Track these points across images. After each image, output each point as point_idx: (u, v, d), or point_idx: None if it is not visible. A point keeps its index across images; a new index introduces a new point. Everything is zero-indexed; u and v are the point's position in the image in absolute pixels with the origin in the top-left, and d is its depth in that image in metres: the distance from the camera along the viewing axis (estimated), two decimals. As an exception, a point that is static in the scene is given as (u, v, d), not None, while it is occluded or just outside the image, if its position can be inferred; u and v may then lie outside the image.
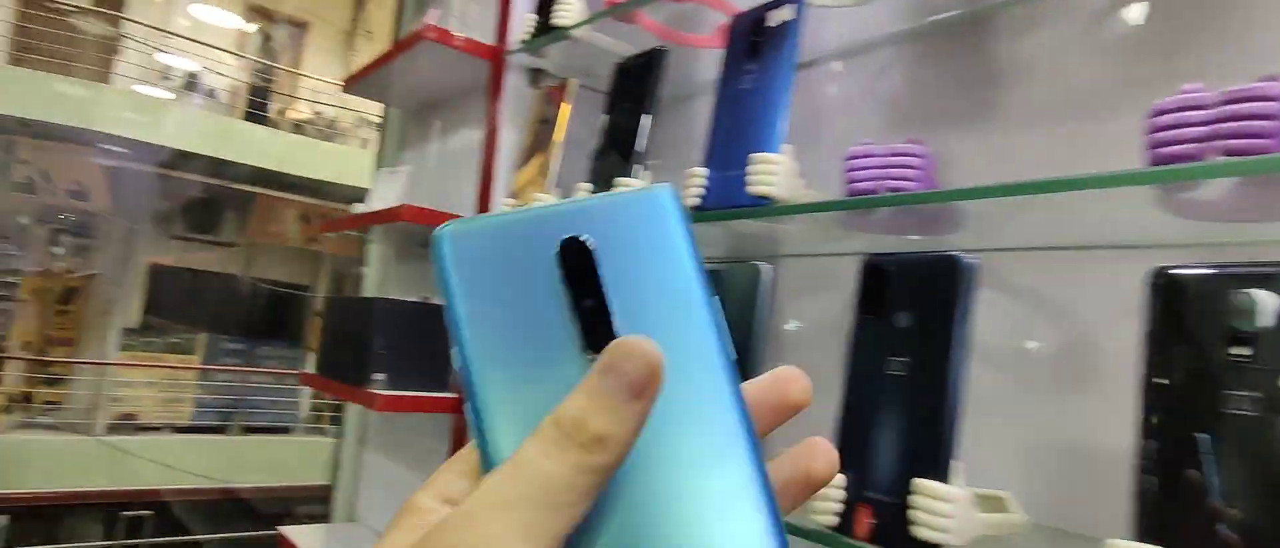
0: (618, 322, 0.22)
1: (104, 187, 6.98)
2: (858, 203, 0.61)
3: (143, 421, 7.01)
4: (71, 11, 7.06)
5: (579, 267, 0.22)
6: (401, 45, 1.18)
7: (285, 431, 7.81)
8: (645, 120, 0.90)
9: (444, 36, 1.13)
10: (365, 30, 9.06)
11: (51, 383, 6.87)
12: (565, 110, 1.05)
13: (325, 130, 8.54)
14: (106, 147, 6.60)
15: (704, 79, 1.13)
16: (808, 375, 0.24)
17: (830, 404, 0.89)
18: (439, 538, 0.18)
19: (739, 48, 0.79)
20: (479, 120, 1.33)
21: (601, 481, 0.19)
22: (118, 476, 6.13)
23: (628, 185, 0.88)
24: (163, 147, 6.65)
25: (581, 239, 0.22)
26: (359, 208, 1.32)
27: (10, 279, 7.72)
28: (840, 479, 0.60)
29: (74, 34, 6.85)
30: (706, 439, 0.21)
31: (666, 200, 0.23)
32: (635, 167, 0.89)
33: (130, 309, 7.63)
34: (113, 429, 6.72)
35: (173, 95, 7.35)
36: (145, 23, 7.28)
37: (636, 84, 0.94)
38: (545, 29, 1.06)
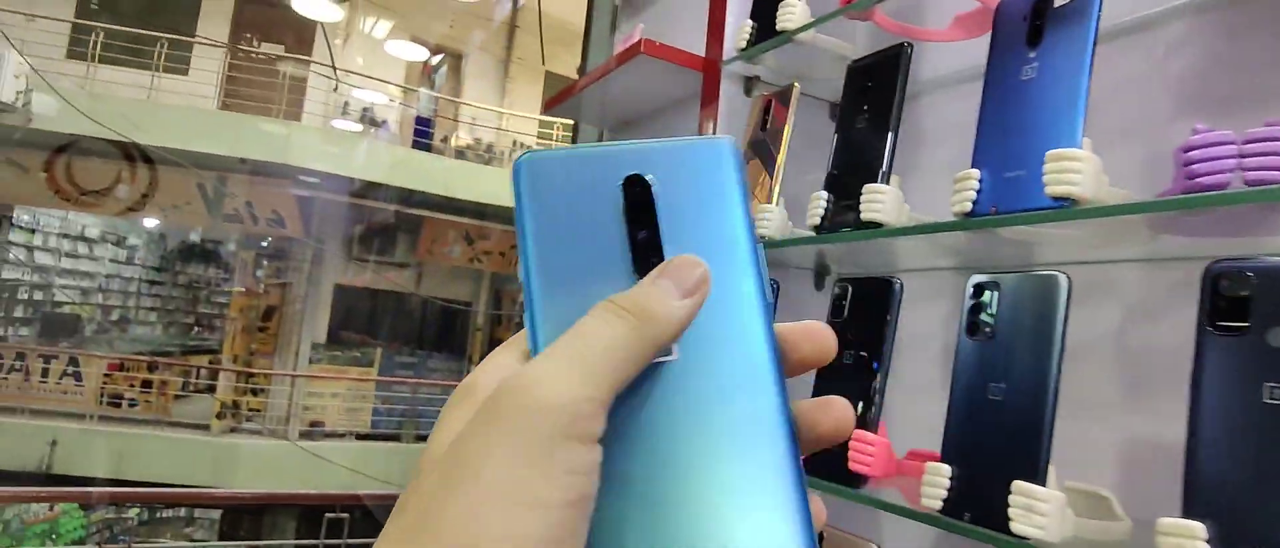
0: (668, 253, 0.24)
1: (296, 215, 7.65)
2: (1213, 200, 0.52)
3: (329, 428, 7.63)
4: (276, 58, 7.89)
5: (639, 200, 0.24)
6: (617, 60, 1.18)
7: (452, 439, 8.23)
8: (891, 129, 0.84)
9: (661, 50, 1.12)
10: (517, 57, 9.51)
11: (254, 393, 7.63)
12: (789, 118, 1.01)
13: (484, 155, 8.99)
14: (300, 178, 7.27)
15: (928, 77, 1.05)
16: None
17: (1119, 430, 0.79)
18: (515, 383, 0.20)
19: (1012, 35, 0.71)
20: (687, 133, 1.31)
21: (648, 351, 0.22)
22: (309, 477, 6.69)
23: (878, 192, 0.82)
24: (349, 177, 7.25)
25: (644, 176, 0.24)
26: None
27: (223, 300, 8.69)
28: (1198, 529, 0.51)
29: (271, 79, 7.63)
30: (736, 367, 0.23)
31: (727, 150, 0.25)
32: (886, 173, 0.83)
33: (318, 326, 8.34)
34: (304, 435, 7.34)
35: (361, 128, 8.01)
36: (334, 65, 7.99)
37: (877, 86, 0.88)
38: (766, 34, 1.02)
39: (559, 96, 1.44)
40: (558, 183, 0.25)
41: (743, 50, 1.06)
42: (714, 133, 1.11)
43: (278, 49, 8.19)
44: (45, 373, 6.97)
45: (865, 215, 0.82)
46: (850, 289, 0.87)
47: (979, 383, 0.68)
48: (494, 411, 0.20)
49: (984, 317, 0.70)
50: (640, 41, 1.12)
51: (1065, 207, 0.63)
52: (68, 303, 9.26)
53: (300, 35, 8.33)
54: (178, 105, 6.86)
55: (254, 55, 7.99)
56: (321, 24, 8.12)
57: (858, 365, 0.83)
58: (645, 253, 0.24)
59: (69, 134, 6.27)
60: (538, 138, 9.48)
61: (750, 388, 0.23)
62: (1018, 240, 0.81)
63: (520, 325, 0.25)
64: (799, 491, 0.23)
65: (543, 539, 0.19)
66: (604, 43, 1.67)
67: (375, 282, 8.72)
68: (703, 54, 1.16)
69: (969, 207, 0.70)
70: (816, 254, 1.14)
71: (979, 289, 0.71)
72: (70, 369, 7.05)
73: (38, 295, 8.98)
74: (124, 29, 7.23)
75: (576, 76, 1.57)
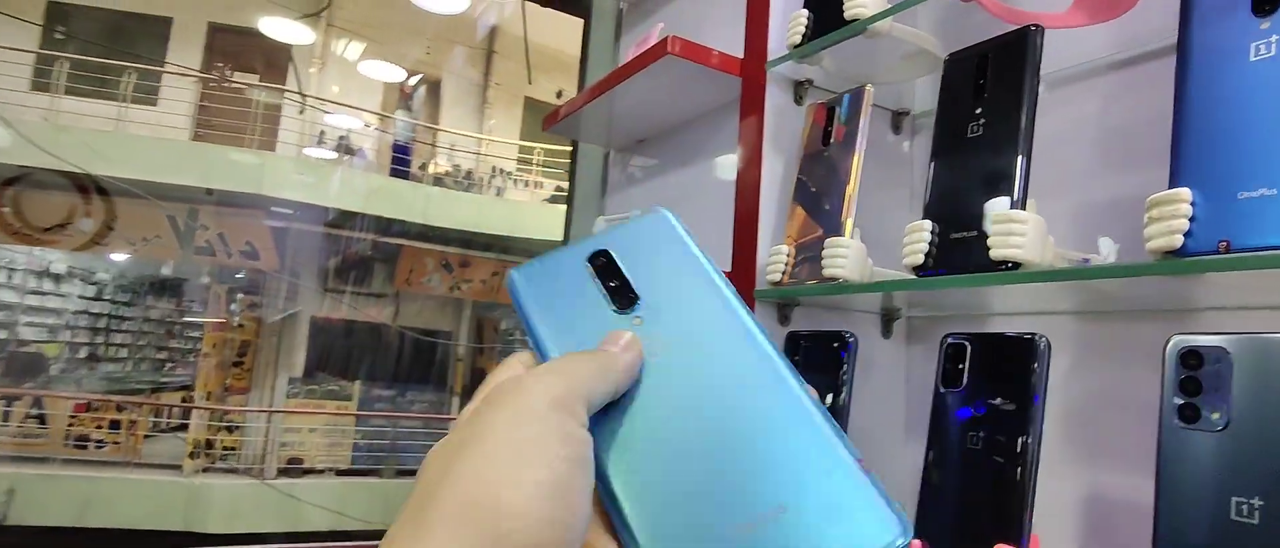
0: (638, 289, 0.30)
1: (271, 247, 7.44)
2: None
3: (308, 464, 7.36)
4: (247, 87, 7.68)
5: (605, 264, 0.31)
6: (635, 64, 0.97)
7: (434, 474, 7.98)
8: (1021, 138, 0.63)
9: (693, 50, 0.91)
10: (495, 83, 9.34)
11: (229, 430, 7.33)
12: (862, 128, 0.80)
13: (462, 182, 8.81)
14: (273, 208, 7.03)
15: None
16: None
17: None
18: (512, 380, 0.26)
19: (1223, 1, 0.51)
20: (719, 150, 1.10)
21: (607, 372, 0.27)
22: (287, 518, 6.40)
23: (1015, 220, 0.61)
24: (324, 207, 7.03)
25: (604, 248, 0.32)
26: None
27: (197, 335, 8.36)
28: None
29: (244, 107, 7.40)
30: (721, 342, 0.29)
31: (666, 215, 0.32)
32: (1020, 196, 0.62)
33: (295, 360, 8.07)
34: (282, 473, 7.07)
35: (335, 155, 7.81)
36: (301, 91, 7.79)
37: (995, 84, 0.67)
38: (826, 26, 0.82)
39: (557, 113, 1.22)
40: (540, 278, 0.31)
41: (796, 47, 0.86)
42: (760, 149, 0.90)
43: (251, 78, 7.98)
44: (6, 416, 6.64)
45: (998, 253, 0.61)
46: (969, 348, 0.66)
47: (1214, 495, 0.47)
48: (497, 396, 0.25)
49: (1206, 398, 0.49)
50: (666, 40, 0.91)
51: (1362, 241, 0.42)
52: (34, 341, 8.89)
53: (274, 62, 8.11)
54: (145, 136, 6.61)
55: (226, 84, 7.75)
56: (293, 50, 7.92)
57: (990, 453, 0.62)
58: (619, 295, 0.31)
59: (19, 167, 5.99)
60: (518, 164, 9.31)
61: (740, 352, 0.28)
62: (1188, 281, 0.61)
63: (504, 356, 0.34)
64: (826, 421, 0.26)
65: (547, 484, 0.22)
66: (606, 51, 1.46)
67: (353, 314, 8.48)
68: (740, 53, 0.95)
69: (1180, 241, 0.49)
70: (883, 296, 0.94)
71: (1192, 358, 0.50)
72: (34, 411, 6.72)
73: (2, 335, 8.61)
74: (90, 59, 6.98)
75: (557, 102, 1.35)
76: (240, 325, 7.99)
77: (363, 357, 8.64)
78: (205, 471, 6.92)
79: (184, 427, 7.28)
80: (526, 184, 9.23)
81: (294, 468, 7.27)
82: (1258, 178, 0.47)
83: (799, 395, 0.26)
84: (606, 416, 0.27)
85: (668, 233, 0.31)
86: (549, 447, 0.23)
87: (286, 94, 7.77)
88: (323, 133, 8.20)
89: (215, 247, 7.29)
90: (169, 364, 9.71)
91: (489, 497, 0.21)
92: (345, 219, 7.29)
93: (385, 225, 7.49)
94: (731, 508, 0.24)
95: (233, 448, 7.27)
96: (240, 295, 8.20)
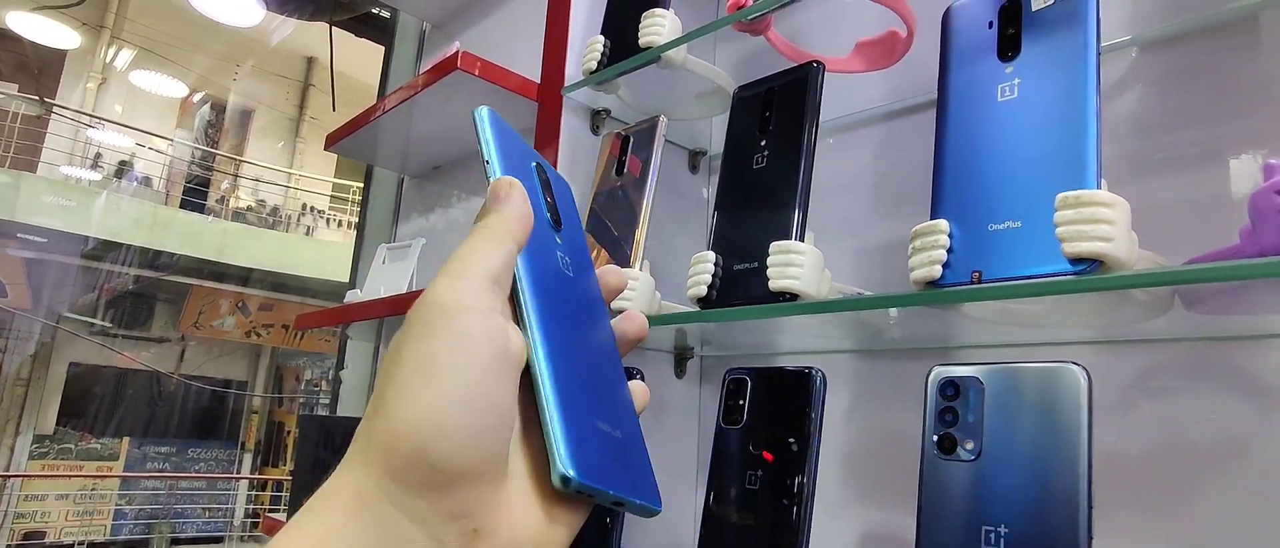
0: (562, 215, 0.35)
1: (22, 281, 6.44)
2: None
3: (53, 539, 6.37)
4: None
5: (543, 180, 0.35)
6: (424, 79, 0.90)
7: (217, 541, 7.10)
8: (802, 172, 0.63)
9: (484, 68, 0.85)
10: (310, 117, 8.80)
11: (-54, 501, 6.17)
12: (655, 158, 0.78)
13: (267, 218, 8.17)
14: (27, 236, 6.10)
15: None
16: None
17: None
18: (419, 298, 0.26)
19: (975, 45, 0.54)
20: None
21: (506, 240, 0.28)
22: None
23: (793, 251, 0.60)
24: (93, 238, 6.18)
25: (540, 163, 0.35)
26: (357, 295, 1.00)
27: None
28: None
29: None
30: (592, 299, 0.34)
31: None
32: (799, 228, 0.61)
33: (45, 414, 6.96)
34: (16, 552, 6.07)
35: (99, 175, 6.91)
36: (41, 96, 6.88)
37: (779, 118, 0.67)
38: (624, 52, 0.80)
39: (345, 129, 1.12)
40: (508, 137, 0.33)
41: (592, 73, 0.83)
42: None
43: (10, 86, 6.94)
44: None
45: (777, 284, 0.59)
46: (749, 383, 0.64)
47: (966, 524, 0.47)
48: (406, 320, 0.25)
49: (962, 428, 0.50)
50: (458, 54, 0.85)
51: (1089, 271, 0.44)
52: None
53: (44, 73, 7.11)
54: None
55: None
56: (67, 63, 7.00)
57: (770, 492, 0.59)
58: (552, 214, 0.34)
59: None
60: (331, 201, 8.78)
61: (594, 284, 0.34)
62: (950, 315, 0.63)
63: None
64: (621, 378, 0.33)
65: (460, 396, 0.23)
66: (406, 74, 1.38)
67: (125, 360, 7.46)
68: (538, 79, 0.91)
69: (938, 272, 0.50)
70: (676, 333, 0.92)
71: (950, 388, 0.51)
72: None
73: None
74: None
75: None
76: (-26, 373, 6.80)
77: (136, 407, 7.62)
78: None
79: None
80: (340, 224, 8.71)
81: (32, 544, 6.26)
82: (1004, 211, 0.49)
83: (618, 359, 0.34)
84: (530, 292, 0.28)
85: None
86: (455, 358, 0.23)
87: (55, 110, 6.83)
88: (98, 155, 7.27)
89: (-53, 279, 6.20)
90: None
91: (406, 425, 0.22)
92: (109, 251, 6.43)
93: (158, 259, 6.67)
94: (606, 416, 0.29)
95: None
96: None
